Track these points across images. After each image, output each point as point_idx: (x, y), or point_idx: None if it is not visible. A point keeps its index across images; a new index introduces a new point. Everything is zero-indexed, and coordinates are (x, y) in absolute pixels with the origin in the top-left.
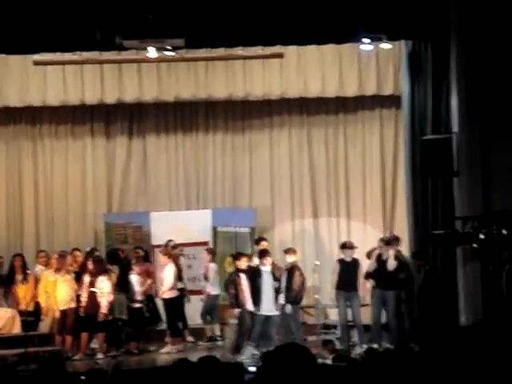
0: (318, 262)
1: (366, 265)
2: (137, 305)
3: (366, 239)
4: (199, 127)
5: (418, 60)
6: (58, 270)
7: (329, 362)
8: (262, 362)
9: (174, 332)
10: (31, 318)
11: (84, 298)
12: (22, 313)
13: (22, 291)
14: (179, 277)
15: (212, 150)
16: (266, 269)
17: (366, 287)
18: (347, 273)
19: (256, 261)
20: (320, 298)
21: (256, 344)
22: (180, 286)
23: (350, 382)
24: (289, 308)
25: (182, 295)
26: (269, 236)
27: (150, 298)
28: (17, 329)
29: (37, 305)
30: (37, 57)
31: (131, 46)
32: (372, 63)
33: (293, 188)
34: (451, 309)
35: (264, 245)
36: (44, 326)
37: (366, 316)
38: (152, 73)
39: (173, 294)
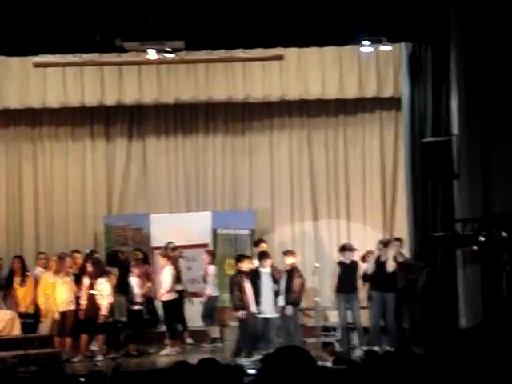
0: (317, 264)
1: (361, 268)
2: (136, 307)
3: (365, 241)
4: (199, 129)
5: (417, 62)
6: (57, 272)
7: (329, 364)
8: (262, 364)
9: (172, 334)
10: (31, 320)
11: (83, 301)
12: (21, 315)
13: (21, 293)
14: (178, 279)
15: (212, 152)
16: (266, 271)
17: (365, 289)
18: (347, 275)
19: (255, 263)
20: (320, 300)
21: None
22: (179, 288)
23: None
24: (289, 310)
25: (182, 297)
26: (269, 238)
27: (149, 300)
28: (16, 331)
29: (36, 307)
30: (37, 59)
31: (131, 48)
32: (372, 65)
33: (293, 190)
34: (451, 311)
35: (263, 247)
36: (44, 328)
37: (364, 318)
38: (152, 75)
39: (171, 296)
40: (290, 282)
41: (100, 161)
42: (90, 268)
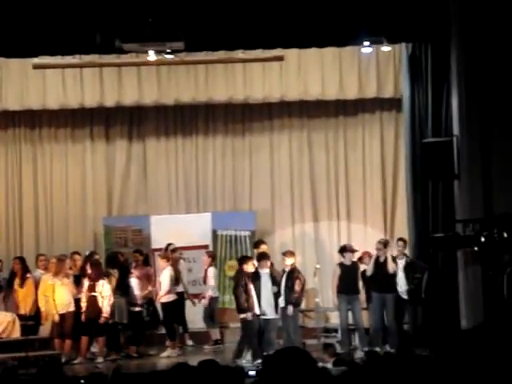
0: (318, 266)
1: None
2: (137, 308)
3: (366, 242)
4: (199, 130)
5: (418, 63)
6: (56, 274)
7: (329, 365)
8: (263, 365)
9: (171, 336)
10: (31, 322)
11: (83, 303)
12: (21, 317)
13: (21, 295)
14: (177, 280)
15: (212, 153)
16: (265, 272)
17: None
18: (347, 276)
19: (255, 264)
20: (320, 301)
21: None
22: (180, 289)
23: None
24: (290, 310)
25: (182, 299)
26: (269, 239)
27: (150, 301)
28: (17, 333)
29: (37, 309)
30: (36, 60)
31: (131, 49)
32: (372, 66)
33: (293, 191)
34: (452, 312)
35: (263, 248)
36: (44, 330)
37: (364, 319)
38: (152, 76)
39: (170, 298)
40: (291, 283)
41: (100, 162)
42: (89, 270)
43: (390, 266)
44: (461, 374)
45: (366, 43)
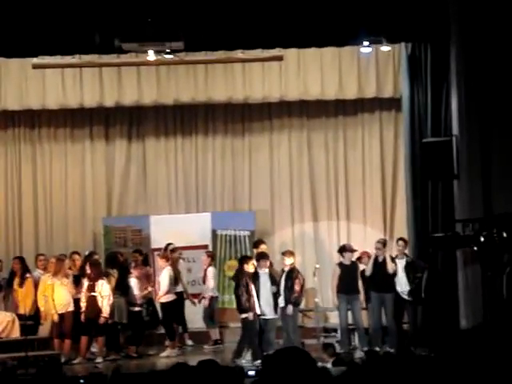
0: (318, 265)
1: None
2: (136, 308)
3: (366, 242)
4: (199, 130)
5: (417, 62)
6: (55, 274)
7: (329, 365)
8: (262, 365)
9: (170, 336)
10: (30, 321)
11: (83, 303)
12: (20, 316)
13: (21, 295)
14: (175, 280)
15: (211, 153)
16: (264, 272)
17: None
18: (347, 276)
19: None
20: (320, 301)
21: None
22: (179, 289)
23: None
24: (290, 309)
25: (182, 299)
26: (268, 239)
27: (149, 301)
28: (16, 333)
29: (37, 309)
30: (36, 60)
31: (130, 49)
32: (372, 66)
33: (292, 191)
34: (452, 312)
35: (263, 248)
36: (43, 330)
37: (364, 319)
38: (151, 76)
39: (169, 297)
40: (291, 283)
41: (99, 162)
42: (88, 270)
43: (390, 266)
44: (460, 374)
45: (366, 43)
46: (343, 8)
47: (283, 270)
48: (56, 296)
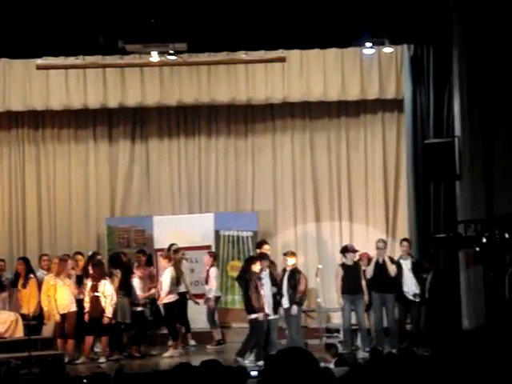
0: (320, 266)
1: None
2: (139, 308)
3: (368, 243)
4: (202, 131)
5: (420, 64)
6: (58, 274)
7: (331, 365)
8: (265, 365)
9: (173, 336)
10: (34, 321)
11: (86, 303)
12: (24, 317)
13: (24, 295)
14: (178, 281)
15: (214, 154)
16: (265, 272)
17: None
18: (350, 276)
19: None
20: (322, 301)
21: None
22: (182, 289)
23: None
24: (294, 309)
25: (185, 299)
26: (271, 240)
27: (153, 301)
28: (19, 333)
29: (40, 309)
30: (40, 61)
31: (134, 50)
32: (374, 67)
33: (295, 192)
34: (454, 313)
35: (266, 248)
36: (47, 330)
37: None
38: (155, 77)
39: (172, 298)
40: (294, 283)
41: (103, 163)
42: (91, 270)
43: (390, 269)
44: (462, 375)
45: (368, 44)
46: (346, 9)
47: (284, 270)
48: (58, 296)
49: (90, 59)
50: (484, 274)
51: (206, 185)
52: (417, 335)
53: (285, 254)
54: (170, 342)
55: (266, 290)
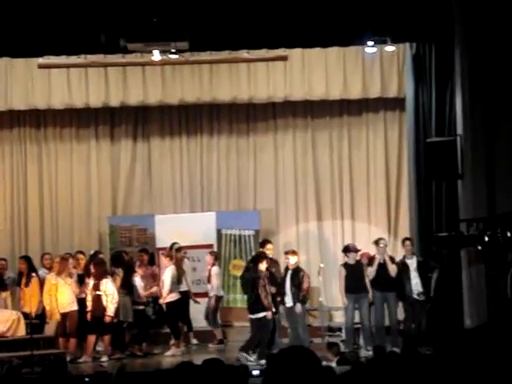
0: (322, 265)
1: None
2: (140, 307)
3: (370, 242)
4: (203, 130)
5: (422, 62)
6: (59, 273)
7: (333, 364)
8: (267, 364)
9: (175, 335)
10: (36, 320)
11: (89, 302)
12: (26, 315)
13: (27, 294)
14: (179, 279)
15: (216, 152)
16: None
17: None
18: (353, 275)
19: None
20: (324, 300)
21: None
22: (184, 288)
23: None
24: (298, 307)
25: (187, 298)
26: (273, 239)
27: (156, 300)
28: (22, 331)
29: (43, 308)
30: (41, 60)
31: (136, 49)
32: (376, 65)
33: (297, 190)
34: (456, 311)
35: (269, 247)
36: (49, 329)
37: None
38: (156, 76)
39: (174, 297)
40: (298, 281)
41: (105, 162)
42: (93, 269)
43: (391, 268)
44: (465, 373)
45: (370, 43)
46: (348, 8)
47: (287, 269)
48: (59, 295)
49: (91, 58)
50: (486, 272)
51: (208, 184)
52: (419, 334)
53: (286, 253)
54: (172, 341)
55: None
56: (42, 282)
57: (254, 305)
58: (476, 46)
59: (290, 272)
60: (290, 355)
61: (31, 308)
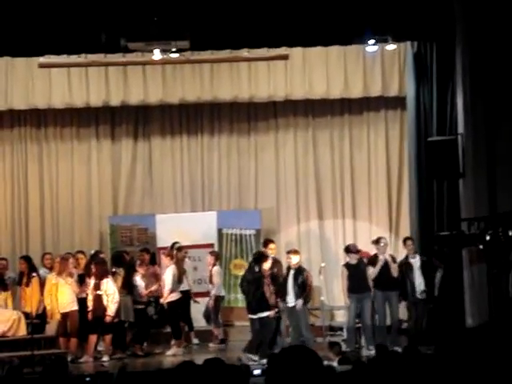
0: (323, 264)
1: None
2: (141, 306)
3: (371, 241)
4: (204, 129)
5: (423, 61)
6: (59, 273)
7: (335, 364)
8: (268, 364)
9: (176, 335)
10: (37, 320)
11: (90, 301)
12: (27, 315)
13: (27, 294)
14: (179, 279)
15: (217, 152)
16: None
17: None
18: (355, 275)
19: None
20: (325, 299)
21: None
22: (185, 288)
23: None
24: (299, 304)
25: (188, 297)
26: (274, 238)
27: (157, 299)
28: (22, 331)
29: (44, 307)
30: (42, 59)
31: (136, 48)
32: (377, 64)
33: (298, 190)
34: (458, 310)
35: (272, 247)
36: (50, 329)
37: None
38: (157, 75)
39: (175, 296)
40: (302, 279)
41: (105, 161)
42: (94, 268)
43: (393, 268)
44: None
45: (371, 42)
46: (349, 7)
47: (289, 269)
48: (59, 295)
49: (92, 57)
50: (487, 271)
51: (209, 183)
52: (420, 333)
53: (288, 252)
54: (173, 341)
55: None
56: (42, 282)
57: (259, 303)
58: (477, 44)
59: (292, 271)
60: (291, 355)
61: (32, 308)
